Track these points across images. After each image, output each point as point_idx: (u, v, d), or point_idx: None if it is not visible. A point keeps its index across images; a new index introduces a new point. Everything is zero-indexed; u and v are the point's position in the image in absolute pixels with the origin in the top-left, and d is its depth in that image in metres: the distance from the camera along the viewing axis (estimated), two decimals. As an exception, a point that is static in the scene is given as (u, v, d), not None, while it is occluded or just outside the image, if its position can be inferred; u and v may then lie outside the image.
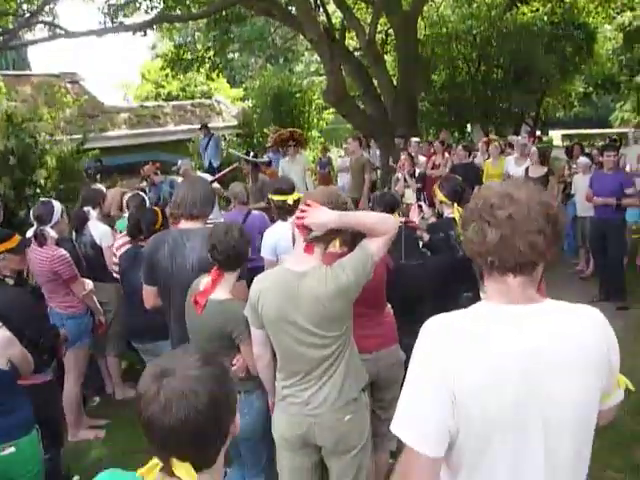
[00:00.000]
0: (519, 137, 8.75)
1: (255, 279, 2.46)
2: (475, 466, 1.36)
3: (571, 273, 7.27)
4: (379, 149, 11.23)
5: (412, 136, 9.76)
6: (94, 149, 9.56)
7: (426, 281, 3.20)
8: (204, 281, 2.73)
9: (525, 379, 1.30)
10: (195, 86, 19.82)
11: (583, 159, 7.10)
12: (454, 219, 3.58)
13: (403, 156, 8.30)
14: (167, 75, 17.44)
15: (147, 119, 14.59)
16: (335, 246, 2.75)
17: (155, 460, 1.22)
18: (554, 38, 15.60)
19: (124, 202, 5.29)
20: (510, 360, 1.30)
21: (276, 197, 3.91)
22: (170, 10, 12.74)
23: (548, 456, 1.33)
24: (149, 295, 3.20)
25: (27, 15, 11.40)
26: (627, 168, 7.63)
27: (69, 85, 13.41)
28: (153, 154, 11.57)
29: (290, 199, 3.82)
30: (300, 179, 8.13)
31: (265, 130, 14.20)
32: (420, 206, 3.73)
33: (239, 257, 2.70)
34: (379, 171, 10.78)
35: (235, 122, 16.02)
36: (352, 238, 2.53)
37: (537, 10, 16.21)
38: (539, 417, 1.32)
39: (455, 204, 3.64)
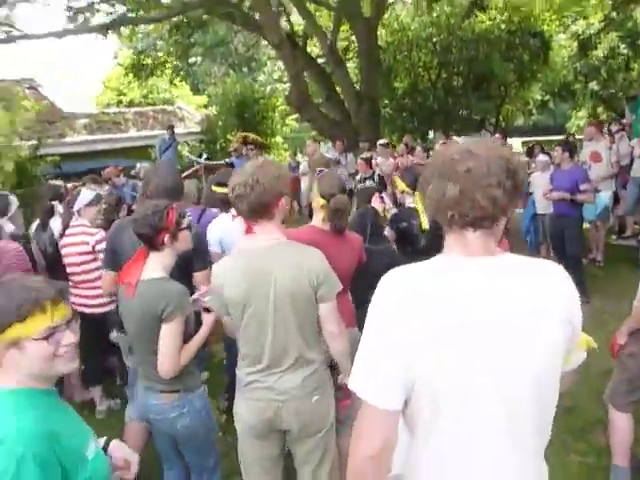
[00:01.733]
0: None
1: (214, 266, 2.39)
2: (431, 427, 1.32)
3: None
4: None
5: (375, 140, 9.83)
6: (53, 155, 9.37)
7: (389, 268, 3.18)
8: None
9: (487, 337, 1.27)
10: (157, 93, 19.58)
11: (542, 157, 7.22)
12: (416, 208, 3.60)
13: (359, 160, 8.45)
14: (129, 82, 17.24)
15: (108, 125, 14.38)
16: (318, 219, 2.82)
17: None
18: (511, 46, 15.94)
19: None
20: (471, 319, 1.27)
21: (218, 189, 3.85)
22: (131, 13, 12.65)
23: (511, 418, 1.30)
24: (107, 280, 3.12)
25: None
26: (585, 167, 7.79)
27: (28, 91, 13.15)
28: (114, 160, 11.31)
29: None
30: None
31: (229, 136, 14.15)
32: (382, 197, 3.74)
33: (155, 231, 2.43)
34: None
35: (197, 128, 15.94)
36: (333, 213, 2.70)
37: (495, 18, 16.58)
38: (502, 378, 1.28)
39: (416, 193, 3.66)
